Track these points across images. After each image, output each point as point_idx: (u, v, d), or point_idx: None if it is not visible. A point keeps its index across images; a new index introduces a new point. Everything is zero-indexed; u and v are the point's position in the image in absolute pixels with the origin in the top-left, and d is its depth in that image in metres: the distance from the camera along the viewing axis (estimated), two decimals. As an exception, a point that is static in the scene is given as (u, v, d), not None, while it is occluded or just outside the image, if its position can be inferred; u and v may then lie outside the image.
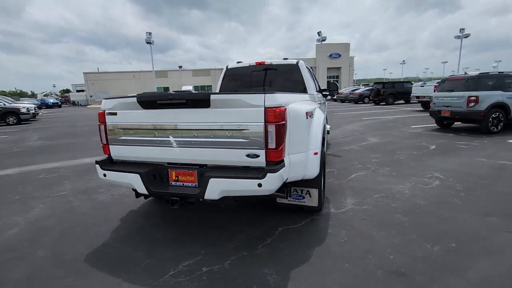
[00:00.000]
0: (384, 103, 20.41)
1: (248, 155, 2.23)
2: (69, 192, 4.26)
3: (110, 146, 2.70)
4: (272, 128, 2.14)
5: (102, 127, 2.69)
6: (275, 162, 2.21)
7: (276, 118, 2.14)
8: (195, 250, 2.56)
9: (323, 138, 3.10)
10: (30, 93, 68.24)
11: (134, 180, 2.48)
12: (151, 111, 2.46)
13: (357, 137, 8.12)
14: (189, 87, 38.21)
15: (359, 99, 23.82)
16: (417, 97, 15.72)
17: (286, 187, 2.84)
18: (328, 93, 6.06)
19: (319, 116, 3.09)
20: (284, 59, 4.69)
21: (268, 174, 2.11)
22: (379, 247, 2.49)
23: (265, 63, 4.73)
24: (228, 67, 5.04)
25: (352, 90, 25.79)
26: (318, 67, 43.22)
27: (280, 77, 4.71)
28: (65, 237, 2.91)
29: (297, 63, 4.54)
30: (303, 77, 4.48)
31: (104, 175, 2.64)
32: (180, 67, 50.12)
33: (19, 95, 65.04)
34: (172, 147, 2.45)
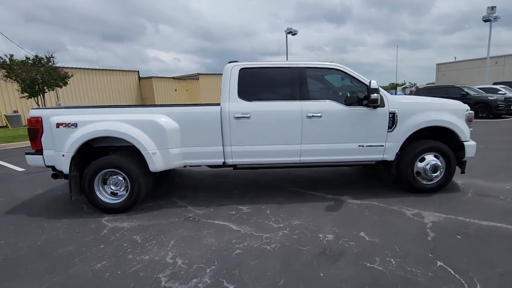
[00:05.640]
0: None
1: None
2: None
3: None
4: None
5: None
6: (34, 150, 3.60)
7: (27, 124, 3.59)
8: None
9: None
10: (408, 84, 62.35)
11: None
12: None
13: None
14: None
15: None
16: None
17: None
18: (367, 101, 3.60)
19: (87, 129, 3.37)
20: (229, 62, 3.84)
21: (26, 155, 3.68)
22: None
23: None
24: None
25: None
26: None
27: None
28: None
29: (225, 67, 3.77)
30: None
31: None
32: None
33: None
34: None
